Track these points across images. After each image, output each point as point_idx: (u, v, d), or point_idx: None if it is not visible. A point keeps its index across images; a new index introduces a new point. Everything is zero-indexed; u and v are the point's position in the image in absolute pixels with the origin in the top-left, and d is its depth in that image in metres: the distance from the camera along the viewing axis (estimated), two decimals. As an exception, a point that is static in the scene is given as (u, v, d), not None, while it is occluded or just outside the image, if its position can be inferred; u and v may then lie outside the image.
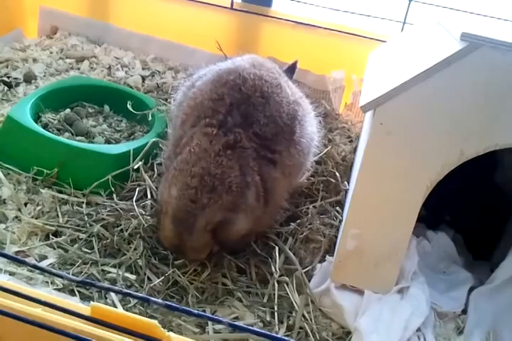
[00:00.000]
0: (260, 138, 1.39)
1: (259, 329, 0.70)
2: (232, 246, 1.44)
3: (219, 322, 0.72)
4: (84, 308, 0.86)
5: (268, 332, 0.71)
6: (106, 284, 0.79)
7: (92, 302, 0.87)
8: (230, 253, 1.47)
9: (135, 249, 1.45)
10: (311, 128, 1.54)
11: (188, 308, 0.72)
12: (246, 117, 1.39)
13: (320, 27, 2.15)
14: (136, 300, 1.34)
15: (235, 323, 0.69)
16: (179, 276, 1.38)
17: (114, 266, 1.42)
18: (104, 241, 1.47)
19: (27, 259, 1.38)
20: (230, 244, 1.42)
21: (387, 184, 1.30)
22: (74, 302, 0.90)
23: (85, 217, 1.55)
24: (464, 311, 1.42)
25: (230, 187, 1.32)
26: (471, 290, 1.45)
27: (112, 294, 1.35)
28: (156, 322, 0.81)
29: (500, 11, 1.94)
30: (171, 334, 0.81)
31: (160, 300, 0.73)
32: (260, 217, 1.41)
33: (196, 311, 0.72)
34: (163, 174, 1.49)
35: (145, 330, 0.80)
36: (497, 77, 1.18)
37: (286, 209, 1.59)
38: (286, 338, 0.63)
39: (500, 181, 1.68)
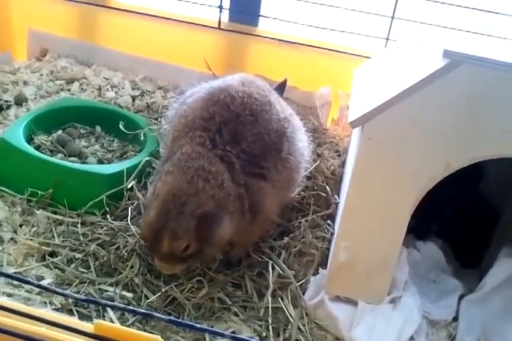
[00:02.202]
0: (248, 155, 1.42)
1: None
2: (211, 254, 1.43)
3: (222, 335, 0.74)
4: (87, 326, 0.88)
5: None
6: (109, 302, 0.81)
7: (95, 320, 0.89)
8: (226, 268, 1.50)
9: (131, 267, 1.47)
10: (301, 144, 1.57)
11: (190, 323, 0.75)
12: (235, 135, 1.42)
13: (306, 45, 2.19)
14: (134, 318, 1.36)
15: (238, 336, 0.71)
16: (176, 293, 1.40)
17: (111, 285, 1.44)
18: (101, 260, 1.49)
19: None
20: (210, 248, 1.38)
21: (376, 197, 1.34)
22: (77, 321, 0.92)
23: (81, 236, 1.56)
24: (455, 319, 1.45)
25: (222, 183, 1.34)
26: (461, 298, 1.49)
27: (111, 312, 1.37)
28: (159, 337, 0.83)
29: (482, 27, 2.00)
30: (174, 349, 0.84)
31: (163, 316, 0.76)
32: (248, 229, 1.44)
33: (199, 325, 0.75)
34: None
35: (149, 346, 0.82)
36: (479, 92, 1.23)
37: (278, 224, 1.61)
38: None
39: (486, 191, 1.72)
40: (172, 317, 0.76)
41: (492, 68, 1.20)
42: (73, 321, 0.90)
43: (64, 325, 0.85)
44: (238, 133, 1.42)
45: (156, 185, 1.39)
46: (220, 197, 1.34)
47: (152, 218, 1.33)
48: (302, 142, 1.59)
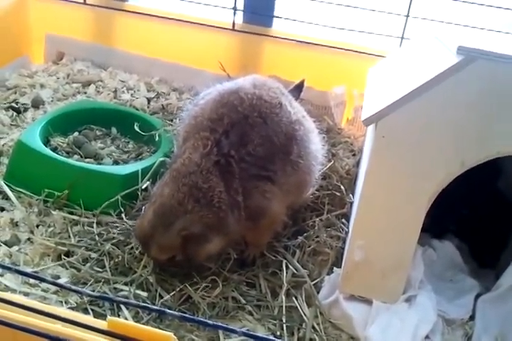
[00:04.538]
0: (254, 158, 1.41)
1: (273, 338, 0.72)
2: (196, 262, 1.45)
3: (234, 332, 0.74)
4: (101, 323, 0.89)
5: None
6: (123, 299, 0.82)
7: (109, 317, 0.90)
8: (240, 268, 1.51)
9: (145, 267, 1.47)
10: (314, 147, 1.56)
11: (203, 319, 0.75)
12: (242, 137, 1.42)
13: (320, 45, 2.19)
14: (148, 317, 1.37)
15: (250, 333, 0.71)
16: (191, 292, 1.41)
17: (125, 284, 1.44)
18: (116, 260, 1.50)
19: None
20: (194, 260, 1.43)
21: (391, 195, 1.33)
22: (91, 318, 0.93)
23: (96, 236, 1.57)
24: (472, 318, 1.44)
25: (212, 201, 1.36)
26: (477, 297, 1.47)
27: (125, 311, 1.38)
28: (172, 334, 0.83)
29: (496, 24, 1.98)
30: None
31: (176, 312, 0.76)
32: (256, 232, 1.47)
33: (211, 322, 0.75)
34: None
35: (162, 343, 0.83)
36: (493, 88, 1.22)
37: (291, 224, 1.62)
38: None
39: (504, 188, 1.70)
40: (184, 314, 0.76)
41: (507, 64, 1.18)
42: (87, 318, 0.91)
43: (78, 322, 0.86)
44: (245, 135, 1.42)
45: (157, 189, 1.43)
46: (209, 217, 1.36)
47: (144, 225, 1.39)
48: (315, 144, 1.58)
